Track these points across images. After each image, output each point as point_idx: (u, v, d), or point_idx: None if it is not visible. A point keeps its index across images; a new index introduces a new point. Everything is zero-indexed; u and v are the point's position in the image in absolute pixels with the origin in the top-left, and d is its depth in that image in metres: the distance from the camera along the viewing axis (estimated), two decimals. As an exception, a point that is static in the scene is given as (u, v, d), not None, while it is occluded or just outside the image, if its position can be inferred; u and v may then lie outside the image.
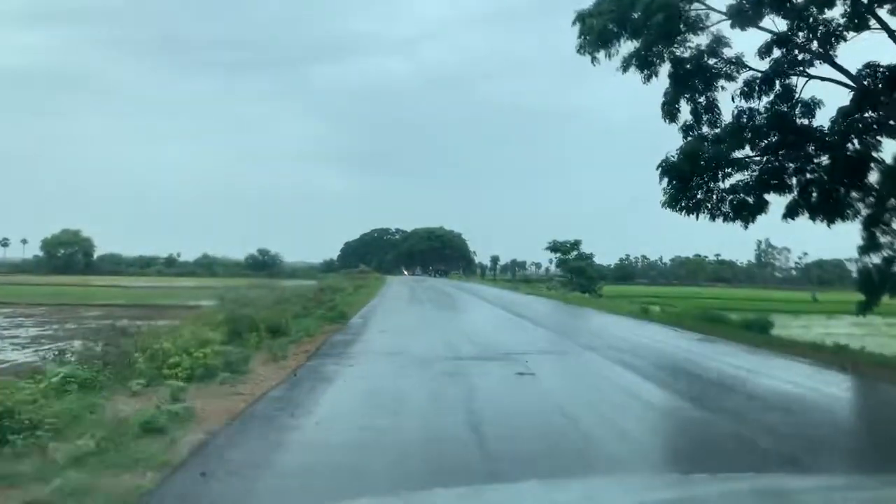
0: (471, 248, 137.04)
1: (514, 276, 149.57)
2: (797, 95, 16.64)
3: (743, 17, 15.48)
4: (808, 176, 16.74)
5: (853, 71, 15.75)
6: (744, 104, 16.85)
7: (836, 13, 15.60)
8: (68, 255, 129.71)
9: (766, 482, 2.36)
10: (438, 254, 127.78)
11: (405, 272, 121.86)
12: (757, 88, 16.66)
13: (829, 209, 16.30)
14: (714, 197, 16.92)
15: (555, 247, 57.32)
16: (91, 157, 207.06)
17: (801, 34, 16.05)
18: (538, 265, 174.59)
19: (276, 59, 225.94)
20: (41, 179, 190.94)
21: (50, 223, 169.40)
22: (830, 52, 15.76)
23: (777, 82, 16.68)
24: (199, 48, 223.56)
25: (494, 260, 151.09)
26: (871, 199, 15.85)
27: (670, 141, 17.05)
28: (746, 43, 16.90)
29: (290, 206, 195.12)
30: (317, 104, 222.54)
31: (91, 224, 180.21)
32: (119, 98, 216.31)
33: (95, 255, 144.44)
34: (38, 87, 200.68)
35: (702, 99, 17.18)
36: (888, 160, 15.46)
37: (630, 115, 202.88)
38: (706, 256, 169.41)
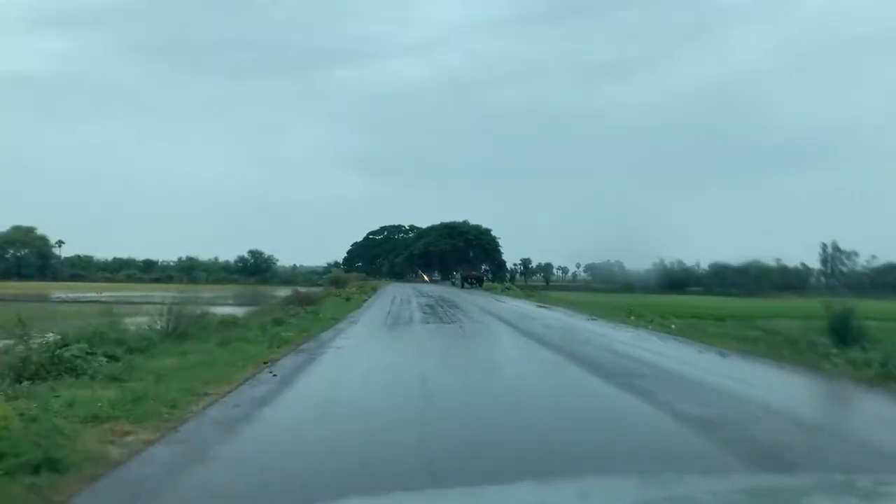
0: (501, 247, 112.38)
1: (547, 282, 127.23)
2: None
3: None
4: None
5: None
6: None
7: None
8: (19, 256, 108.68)
9: (761, 482, 2.39)
10: (461, 254, 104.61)
11: (424, 278, 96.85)
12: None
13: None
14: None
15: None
16: (103, 161, 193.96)
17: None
18: (564, 270, 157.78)
19: (290, 62, 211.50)
20: (50, 183, 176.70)
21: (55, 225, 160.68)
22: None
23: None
24: (210, 51, 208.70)
25: (525, 263, 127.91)
26: None
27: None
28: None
29: (302, 211, 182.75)
30: (331, 108, 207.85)
31: (92, 227, 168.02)
32: (129, 102, 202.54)
33: (62, 257, 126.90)
34: (47, 91, 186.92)
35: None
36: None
37: (648, 119, 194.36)
38: (757, 261, 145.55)
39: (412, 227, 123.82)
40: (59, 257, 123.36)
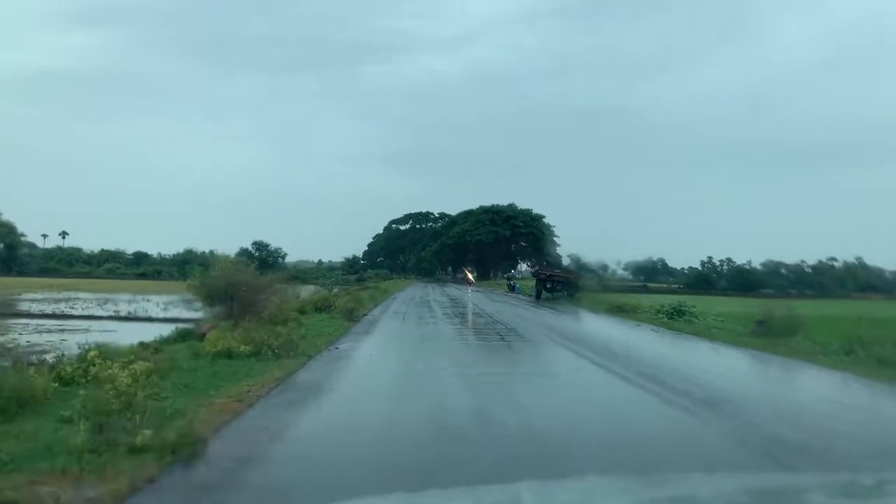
0: (557, 238, 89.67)
1: (601, 283, 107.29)
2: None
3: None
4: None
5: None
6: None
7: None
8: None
9: (763, 482, 2.38)
10: (505, 246, 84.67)
11: (469, 277, 70.15)
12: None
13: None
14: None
15: None
16: (133, 157, 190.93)
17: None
18: (604, 267, 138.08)
19: (321, 58, 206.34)
20: (85, 181, 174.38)
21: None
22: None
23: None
24: (242, 48, 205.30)
25: (576, 260, 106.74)
26: None
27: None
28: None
29: (328, 206, 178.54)
30: (360, 103, 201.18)
31: (110, 222, 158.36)
32: (162, 98, 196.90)
33: (41, 248, 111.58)
34: (80, 88, 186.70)
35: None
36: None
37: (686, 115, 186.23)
38: (834, 259, 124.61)
39: (442, 215, 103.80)
40: (35, 247, 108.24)
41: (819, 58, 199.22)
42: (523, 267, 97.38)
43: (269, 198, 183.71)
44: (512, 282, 57.94)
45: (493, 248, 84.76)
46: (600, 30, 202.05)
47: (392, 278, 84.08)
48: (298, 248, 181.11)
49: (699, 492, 1.93)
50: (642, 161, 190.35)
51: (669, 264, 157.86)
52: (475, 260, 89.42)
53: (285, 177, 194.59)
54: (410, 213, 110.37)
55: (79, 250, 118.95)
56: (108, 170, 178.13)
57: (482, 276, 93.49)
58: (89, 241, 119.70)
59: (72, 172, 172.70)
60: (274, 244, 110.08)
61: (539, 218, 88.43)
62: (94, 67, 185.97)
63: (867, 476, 2.11)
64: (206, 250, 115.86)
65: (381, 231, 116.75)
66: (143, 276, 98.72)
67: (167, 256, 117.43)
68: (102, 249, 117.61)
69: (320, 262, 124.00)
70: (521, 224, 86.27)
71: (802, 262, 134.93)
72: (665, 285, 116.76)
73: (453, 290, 55.89)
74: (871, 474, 2.16)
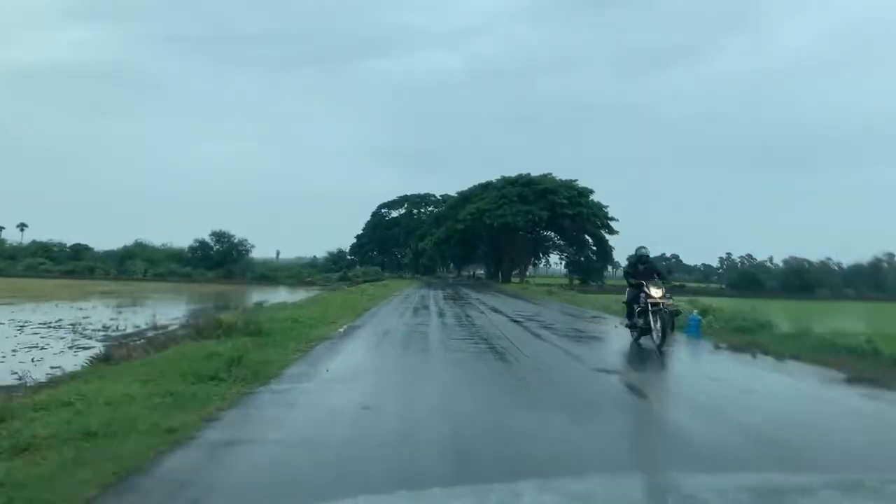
0: (612, 222, 66.51)
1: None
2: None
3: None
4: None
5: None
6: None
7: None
8: None
9: (768, 481, 2.40)
10: (535, 233, 64.13)
11: (651, 290, 9.87)
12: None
13: None
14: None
15: None
16: (138, 153, 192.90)
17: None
18: (615, 265, 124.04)
19: (322, 54, 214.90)
20: (86, 178, 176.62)
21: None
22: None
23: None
24: (242, 43, 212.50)
25: (604, 252, 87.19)
26: None
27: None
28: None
29: (331, 204, 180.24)
30: (362, 99, 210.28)
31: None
32: (162, 94, 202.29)
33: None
34: (81, 83, 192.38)
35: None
36: None
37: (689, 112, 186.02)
38: (892, 254, 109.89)
39: (445, 197, 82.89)
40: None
41: (829, 53, 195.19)
42: (537, 263, 77.94)
43: (266, 194, 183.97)
44: (666, 303, 13.05)
45: (516, 235, 63.36)
46: (605, 23, 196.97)
47: (381, 279, 64.18)
48: (295, 245, 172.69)
49: (703, 491, 1.85)
50: (645, 157, 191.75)
51: (684, 261, 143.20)
52: (491, 252, 68.99)
53: (282, 173, 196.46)
54: (406, 196, 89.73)
55: (2, 242, 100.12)
56: (102, 167, 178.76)
57: (493, 275, 73.25)
58: (62, 237, 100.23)
59: (54, 167, 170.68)
60: (239, 235, 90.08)
61: (586, 193, 63.68)
62: (90, 63, 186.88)
63: (874, 476, 1.95)
64: (160, 243, 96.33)
65: (369, 219, 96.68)
66: (69, 273, 78.95)
67: (112, 250, 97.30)
68: (33, 241, 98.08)
69: (314, 259, 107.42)
70: (566, 201, 60.78)
71: (828, 258, 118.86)
72: (702, 286, 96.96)
73: (514, 330, 17.04)
74: (879, 474, 2.02)
